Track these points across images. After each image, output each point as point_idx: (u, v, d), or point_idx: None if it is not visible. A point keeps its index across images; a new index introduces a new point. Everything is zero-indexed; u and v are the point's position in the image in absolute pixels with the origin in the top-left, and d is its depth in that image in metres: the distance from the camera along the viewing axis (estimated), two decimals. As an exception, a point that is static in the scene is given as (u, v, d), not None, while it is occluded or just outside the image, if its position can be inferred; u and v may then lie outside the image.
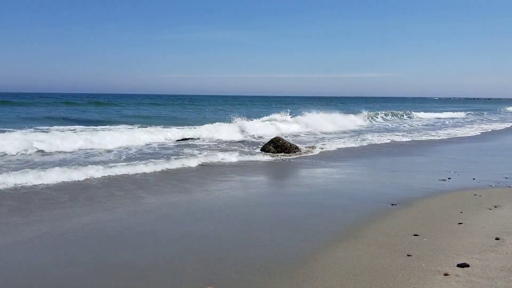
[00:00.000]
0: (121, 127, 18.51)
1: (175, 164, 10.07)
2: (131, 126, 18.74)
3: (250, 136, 17.49)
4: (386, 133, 20.50)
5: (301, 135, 19.31)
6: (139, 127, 17.91)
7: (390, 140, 16.74)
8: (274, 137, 13.79)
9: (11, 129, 14.82)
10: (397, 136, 18.38)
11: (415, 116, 36.20)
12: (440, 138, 18.39)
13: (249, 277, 3.95)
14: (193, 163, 10.34)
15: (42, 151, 11.61)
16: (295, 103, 59.56)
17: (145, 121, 22.97)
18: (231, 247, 4.76)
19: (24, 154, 11.14)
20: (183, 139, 15.73)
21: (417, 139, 17.71)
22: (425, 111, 40.97)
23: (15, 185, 7.57)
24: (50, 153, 11.50)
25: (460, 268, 4.04)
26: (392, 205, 6.56)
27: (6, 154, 10.87)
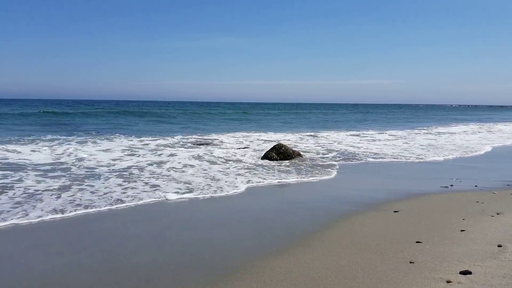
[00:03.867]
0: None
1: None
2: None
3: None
4: None
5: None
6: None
7: None
8: (276, 144, 13.82)
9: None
10: None
11: None
12: None
13: (254, 285, 3.97)
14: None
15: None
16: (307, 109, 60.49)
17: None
18: (236, 253, 4.77)
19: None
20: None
21: None
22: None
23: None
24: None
25: (462, 275, 4.05)
26: (395, 212, 6.58)
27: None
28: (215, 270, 4.31)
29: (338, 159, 13.19)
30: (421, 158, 13.53)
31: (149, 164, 11.16)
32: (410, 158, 13.55)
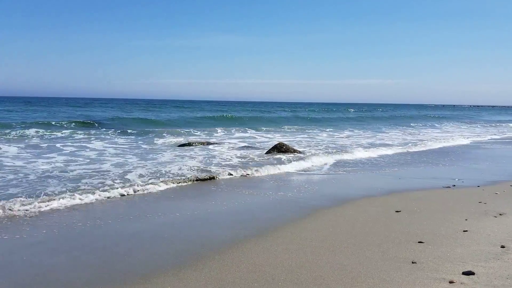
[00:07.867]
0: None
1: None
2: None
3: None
4: None
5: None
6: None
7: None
8: (277, 142, 14.00)
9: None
10: None
11: None
12: None
13: (256, 284, 3.94)
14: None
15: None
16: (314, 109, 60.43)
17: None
18: (235, 251, 4.75)
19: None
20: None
21: None
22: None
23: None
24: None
25: (465, 276, 4.01)
26: (397, 211, 6.54)
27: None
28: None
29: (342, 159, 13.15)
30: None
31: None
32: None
